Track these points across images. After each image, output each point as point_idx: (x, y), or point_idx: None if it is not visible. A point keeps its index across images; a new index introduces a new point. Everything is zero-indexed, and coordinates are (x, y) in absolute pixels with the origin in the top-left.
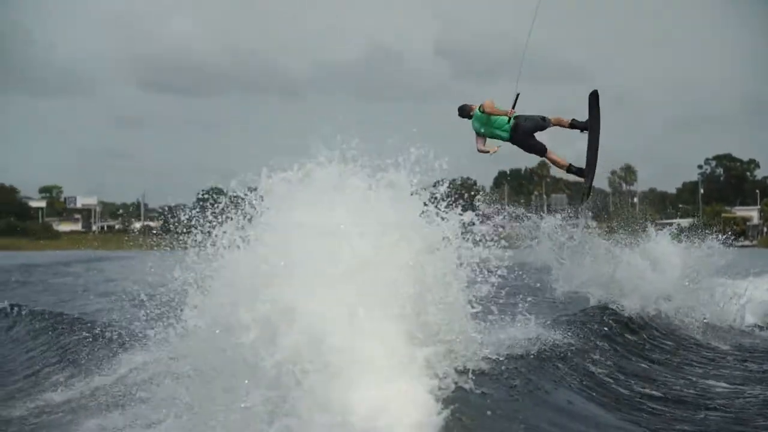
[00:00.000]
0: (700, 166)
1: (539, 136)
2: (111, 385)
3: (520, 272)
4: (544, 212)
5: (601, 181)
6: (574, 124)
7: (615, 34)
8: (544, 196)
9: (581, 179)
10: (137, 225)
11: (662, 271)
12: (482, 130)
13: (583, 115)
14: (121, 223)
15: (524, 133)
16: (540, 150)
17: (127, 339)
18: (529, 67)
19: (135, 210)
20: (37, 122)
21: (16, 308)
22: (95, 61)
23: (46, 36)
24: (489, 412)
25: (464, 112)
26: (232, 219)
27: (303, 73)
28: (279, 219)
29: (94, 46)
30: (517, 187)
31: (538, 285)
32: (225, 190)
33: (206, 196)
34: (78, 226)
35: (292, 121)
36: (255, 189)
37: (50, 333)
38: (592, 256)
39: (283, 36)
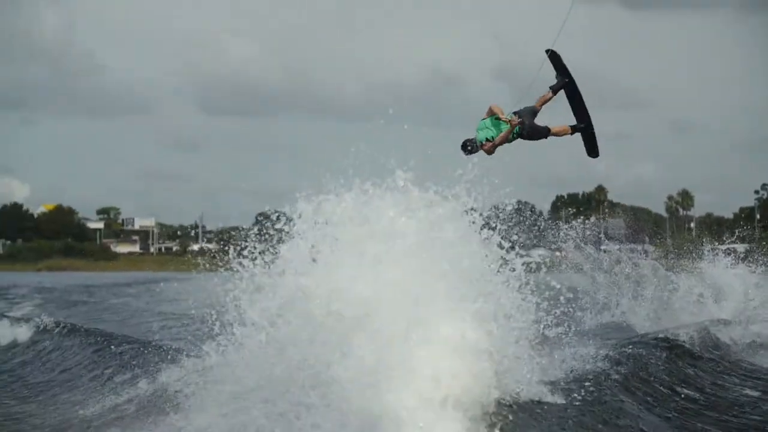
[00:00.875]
0: (756, 191)
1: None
2: (167, 388)
3: (566, 296)
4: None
5: (658, 206)
6: (554, 89)
7: (673, 60)
8: (601, 221)
9: (587, 132)
10: (195, 247)
11: (722, 296)
12: (491, 136)
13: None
14: (179, 245)
15: (529, 120)
16: (546, 132)
17: (182, 350)
18: (589, 92)
19: (193, 232)
20: (96, 144)
21: (62, 325)
22: (155, 83)
23: (106, 58)
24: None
25: (470, 143)
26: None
27: (361, 97)
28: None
29: (154, 69)
30: (575, 212)
31: (580, 309)
32: (282, 213)
33: (263, 218)
34: (136, 248)
35: (351, 144)
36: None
37: (108, 346)
38: (636, 278)
39: (343, 60)
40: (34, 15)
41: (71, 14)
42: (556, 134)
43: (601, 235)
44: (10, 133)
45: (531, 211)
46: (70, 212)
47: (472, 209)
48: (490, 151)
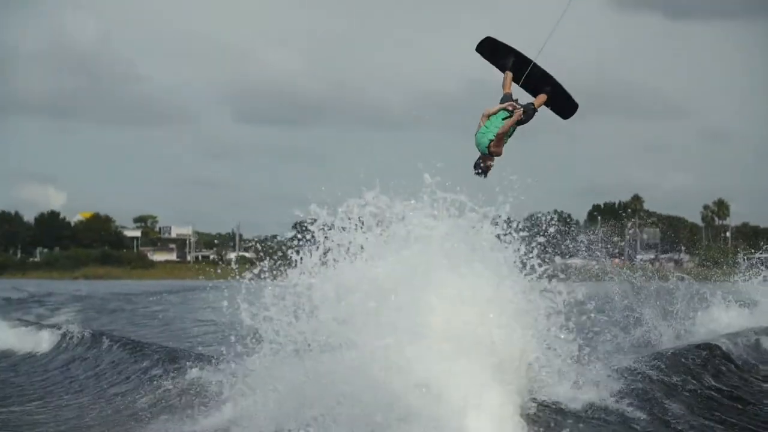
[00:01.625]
0: None
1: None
2: (202, 384)
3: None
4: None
5: (694, 215)
6: (509, 67)
7: (710, 69)
8: (637, 230)
9: (556, 91)
10: (232, 255)
11: (759, 309)
12: (494, 136)
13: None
14: (216, 254)
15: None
16: (534, 110)
17: (212, 354)
18: (625, 102)
19: (230, 240)
20: (133, 152)
21: (100, 332)
22: (193, 92)
23: (144, 67)
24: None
25: (482, 161)
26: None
27: (400, 106)
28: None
29: (192, 78)
30: (612, 221)
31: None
32: (313, 221)
33: (299, 227)
34: (173, 256)
35: (388, 153)
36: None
37: (147, 348)
38: (665, 293)
39: (380, 69)
40: (73, 24)
41: (110, 24)
42: (540, 105)
43: (635, 244)
44: (47, 141)
45: (567, 221)
46: (107, 220)
47: (509, 219)
48: (498, 150)
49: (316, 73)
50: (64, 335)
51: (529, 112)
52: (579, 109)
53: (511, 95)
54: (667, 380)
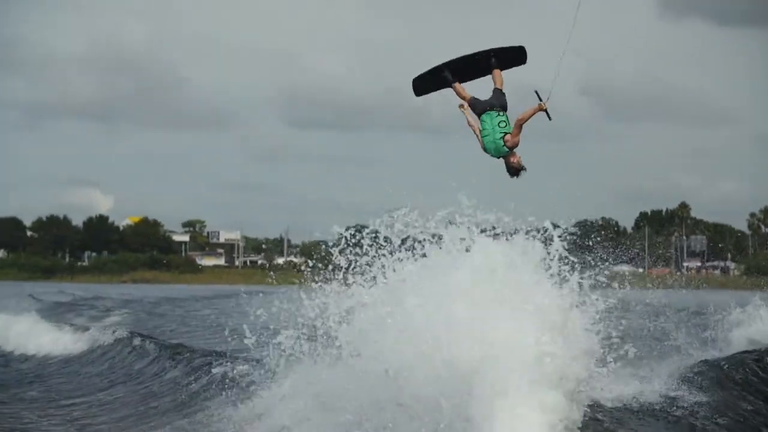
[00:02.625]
0: None
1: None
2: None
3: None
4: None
5: (740, 223)
6: (451, 80)
7: (757, 75)
8: (684, 237)
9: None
10: (280, 260)
11: None
12: (503, 131)
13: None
14: (264, 258)
15: (495, 101)
16: (503, 94)
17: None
18: (672, 108)
19: (278, 245)
20: (182, 157)
21: (149, 336)
22: (240, 96)
23: (191, 71)
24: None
25: (510, 162)
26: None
27: (447, 112)
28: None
29: (240, 82)
30: (659, 228)
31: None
32: (367, 227)
33: (348, 233)
34: (221, 261)
35: (436, 158)
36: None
37: (194, 346)
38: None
39: None
40: (119, 28)
41: (156, 27)
42: (501, 83)
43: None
44: (95, 145)
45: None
46: (156, 225)
47: (556, 227)
48: (516, 141)
49: (364, 77)
50: (116, 335)
51: (503, 98)
52: (627, 114)
53: (469, 99)
54: (722, 377)
